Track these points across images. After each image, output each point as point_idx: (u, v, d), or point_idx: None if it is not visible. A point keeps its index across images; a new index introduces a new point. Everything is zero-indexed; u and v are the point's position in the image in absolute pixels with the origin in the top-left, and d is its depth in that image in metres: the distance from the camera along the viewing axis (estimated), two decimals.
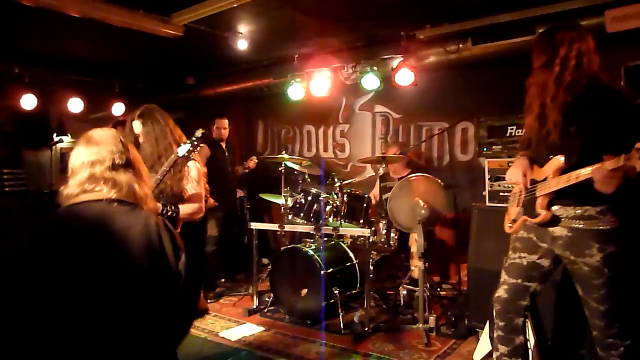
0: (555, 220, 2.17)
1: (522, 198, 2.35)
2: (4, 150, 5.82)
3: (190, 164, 2.86)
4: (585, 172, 1.96)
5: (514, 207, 2.42)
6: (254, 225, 4.62)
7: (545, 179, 2.18)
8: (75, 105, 5.77)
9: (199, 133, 2.75)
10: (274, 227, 4.50)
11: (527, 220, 2.29)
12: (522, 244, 2.32)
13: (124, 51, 5.33)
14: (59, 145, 6.08)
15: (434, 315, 3.79)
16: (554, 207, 2.17)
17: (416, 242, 4.09)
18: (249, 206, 5.16)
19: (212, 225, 4.91)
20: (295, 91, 5.33)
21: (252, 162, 5.46)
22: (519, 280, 2.29)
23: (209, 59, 5.81)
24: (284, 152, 4.80)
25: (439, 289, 4.56)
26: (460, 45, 4.40)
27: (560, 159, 2.13)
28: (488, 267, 3.20)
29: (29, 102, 5.33)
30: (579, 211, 2.10)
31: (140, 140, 2.95)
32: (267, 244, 5.89)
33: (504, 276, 2.35)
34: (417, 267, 4.06)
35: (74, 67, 5.75)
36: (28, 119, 5.92)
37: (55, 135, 6.38)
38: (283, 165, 4.70)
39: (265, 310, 4.43)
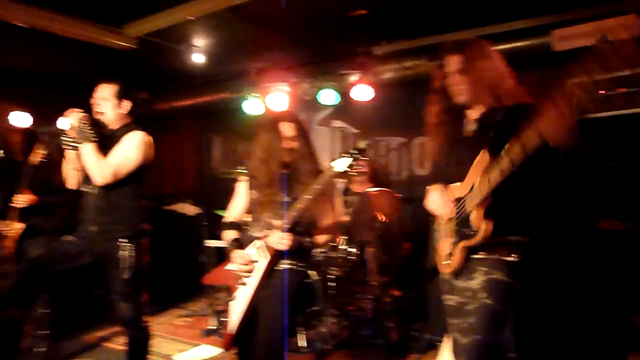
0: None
1: (453, 226, 2.04)
2: None
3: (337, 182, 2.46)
4: (532, 132, 1.67)
5: (445, 241, 2.10)
6: (211, 243, 4.51)
7: (472, 189, 1.92)
8: (19, 119, 5.45)
9: (362, 144, 2.31)
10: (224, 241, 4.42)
11: (467, 244, 1.96)
12: (446, 286, 2.15)
13: (74, 64, 5.13)
14: None
15: (395, 330, 3.78)
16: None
17: (375, 256, 4.10)
18: (205, 223, 5.01)
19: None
20: (252, 106, 5.27)
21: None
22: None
23: (164, 73, 5.67)
24: (242, 167, 4.70)
25: (399, 303, 4.54)
26: (416, 62, 4.49)
27: (484, 154, 1.88)
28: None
29: None
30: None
31: (294, 145, 2.47)
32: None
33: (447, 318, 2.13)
34: (377, 282, 4.05)
35: (17, 79, 5.48)
36: None
37: None
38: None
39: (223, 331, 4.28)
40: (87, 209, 2.77)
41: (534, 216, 1.95)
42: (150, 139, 2.85)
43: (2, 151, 4.01)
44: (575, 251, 2.91)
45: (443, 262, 2.12)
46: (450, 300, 2.11)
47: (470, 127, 2.10)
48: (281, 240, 2.33)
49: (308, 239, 2.44)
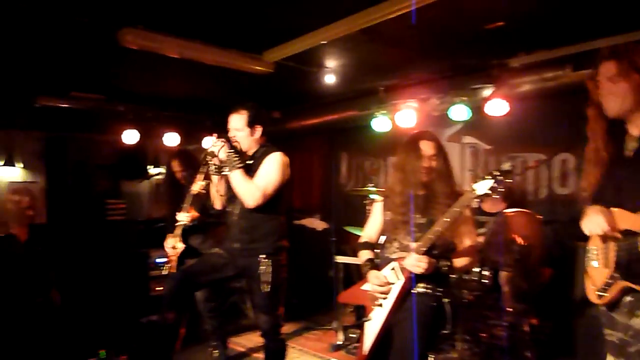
0: None
1: (613, 256, 1.82)
2: (107, 182, 6.25)
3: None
4: None
5: (600, 268, 1.88)
6: (340, 259, 4.58)
7: None
8: (171, 139, 6.10)
9: (506, 166, 2.22)
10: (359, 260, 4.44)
11: (631, 286, 1.75)
12: (606, 319, 1.92)
13: (216, 88, 5.58)
14: (155, 177, 6.43)
15: None
16: None
17: (510, 281, 3.85)
18: (334, 239, 5.11)
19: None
20: (381, 123, 5.29)
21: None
22: None
23: (295, 93, 5.94)
24: (370, 184, 4.73)
25: (539, 333, 4.20)
26: (559, 72, 4.16)
27: None
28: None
29: (130, 137, 5.71)
30: None
31: (434, 164, 2.43)
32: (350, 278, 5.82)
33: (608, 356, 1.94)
34: (512, 308, 3.80)
35: (169, 104, 6.12)
36: (127, 153, 6.34)
37: (151, 167, 6.78)
38: (369, 198, 4.62)
39: (351, 347, 4.32)
40: (230, 227, 3.00)
41: None
42: (287, 159, 2.98)
43: (162, 169, 4.52)
44: None
45: (595, 291, 1.91)
46: (612, 336, 1.90)
47: (632, 145, 1.88)
48: (417, 263, 2.26)
49: (446, 263, 2.35)
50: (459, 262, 2.41)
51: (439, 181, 2.43)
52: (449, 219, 2.24)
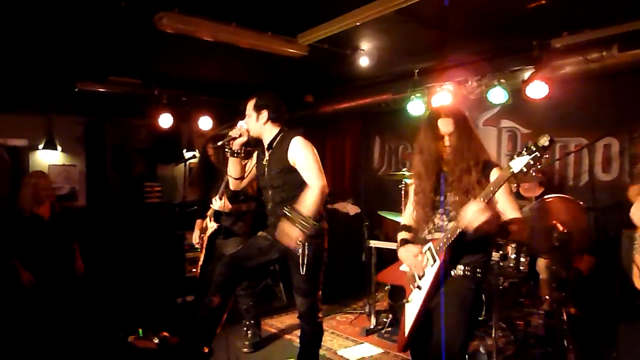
0: None
1: None
2: (143, 165, 6.37)
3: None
4: None
5: None
6: (373, 244, 4.57)
7: None
8: (205, 123, 6.16)
9: (544, 140, 1.92)
10: (393, 245, 4.41)
11: None
12: None
13: (249, 72, 5.58)
14: (189, 160, 6.48)
15: (574, 353, 3.41)
16: None
17: (547, 268, 3.77)
18: (366, 223, 5.09)
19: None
20: (415, 107, 5.19)
21: None
22: None
23: (329, 77, 5.89)
24: (404, 168, 4.68)
25: (579, 323, 4.10)
26: (604, 53, 3.99)
27: None
28: None
29: (166, 121, 5.79)
30: None
31: (447, 143, 2.32)
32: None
33: None
34: (550, 296, 3.71)
35: (204, 89, 6.16)
36: (163, 137, 6.43)
37: (185, 151, 6.87)
38: (404, 182, 4.57)
39: (383, 331, 4.32)
40: (268, 216, 3.05)
41: None
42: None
43: (196, 153, 4.57)
44: None
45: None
46: None
47: None
48: (480, 211, 2.00)
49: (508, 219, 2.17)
50: (514, 227, 2.19)
51: (454, 155, 2.30)
52: (484, 199, 2.06)
